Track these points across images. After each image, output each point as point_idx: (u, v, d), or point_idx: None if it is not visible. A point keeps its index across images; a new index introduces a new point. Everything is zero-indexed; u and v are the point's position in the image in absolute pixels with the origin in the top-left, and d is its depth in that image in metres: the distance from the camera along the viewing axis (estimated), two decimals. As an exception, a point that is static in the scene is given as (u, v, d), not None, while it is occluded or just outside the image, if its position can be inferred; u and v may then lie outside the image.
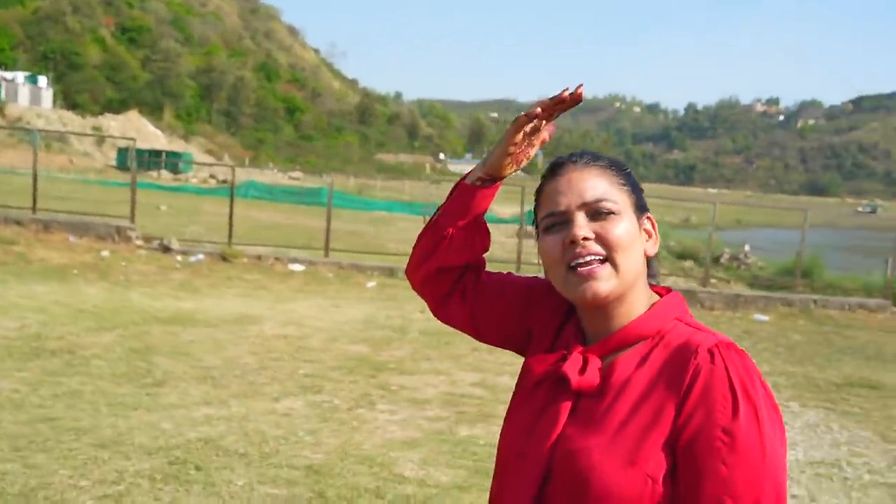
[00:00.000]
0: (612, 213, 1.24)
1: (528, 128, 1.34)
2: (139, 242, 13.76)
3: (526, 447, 1.27)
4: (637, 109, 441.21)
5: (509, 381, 7.07)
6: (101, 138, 59.68)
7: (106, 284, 10.53)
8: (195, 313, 8.99)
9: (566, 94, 1.29)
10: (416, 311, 10.63)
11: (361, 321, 9.44)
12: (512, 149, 1.37)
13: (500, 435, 1.40)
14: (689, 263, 23.74)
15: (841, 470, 5.47)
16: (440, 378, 7.03)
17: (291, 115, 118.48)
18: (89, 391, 5.74)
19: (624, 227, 1.24)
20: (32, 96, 71.19)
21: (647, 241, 1.31)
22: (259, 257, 13.87)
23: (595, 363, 1.25)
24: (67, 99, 77.27)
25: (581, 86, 1.32)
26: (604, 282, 1.21)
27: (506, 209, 44.41)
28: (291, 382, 6.45)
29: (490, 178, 1.42)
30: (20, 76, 71.77)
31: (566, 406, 1.25)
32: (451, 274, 1.50)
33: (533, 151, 1.42)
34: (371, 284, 12.84)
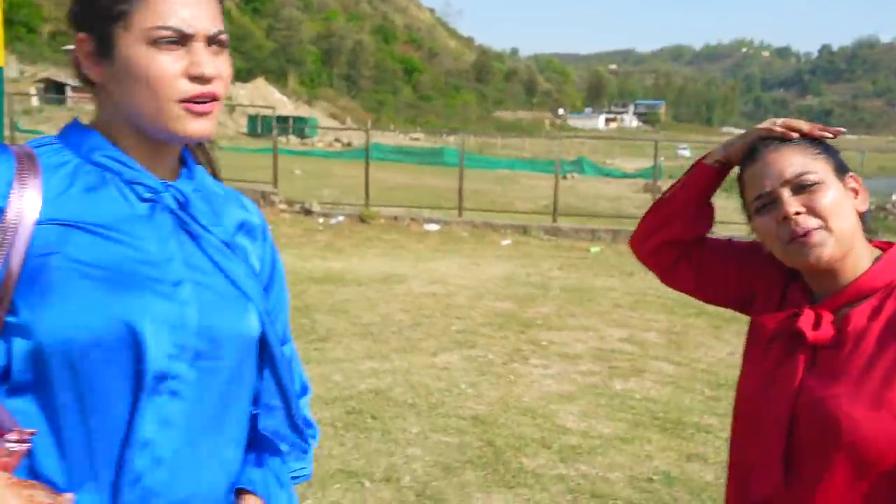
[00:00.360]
0: (816, 183, 1.31)
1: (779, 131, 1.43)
2: (283, 206, 14.42)
3: (766, 401, 1.35)
4: (766, 54, 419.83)
5: (657, 338, 7.11)
6: (231, 107, 62.12)
7: (257, 247, 11.11)
8: (344, 273, 9.41)
9: (835, 130, 1.41)
10: (555, 268, 10.74)
11: (502, 278, 9.62)
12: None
13: (737, 392, 1.47)
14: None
15: None
16: (588, 334, 7.14)
17: (409, 76, 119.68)
18: (262, 346, 6.16)
19: (830, 195, 1.31)
20: (167, 69, 74.53)
21: (854, 198, 1.36)
22: (395, 218, 14.27)
23: (828, 318, 1.32)
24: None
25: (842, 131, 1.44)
26: (823, 247, 1.29)
27: (629, 164, 43.52)
28: (445, 338, 6.70)
29: (727, 163, 1.51)
30: (155, 50, 75.21)
31: (803, 358, 1.32)
32: (678, 245, 1.60)
33: None
34: (506, 242, 13.01)
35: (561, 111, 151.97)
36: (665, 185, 28.28)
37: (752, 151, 1.40)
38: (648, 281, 10.04)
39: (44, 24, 79.65)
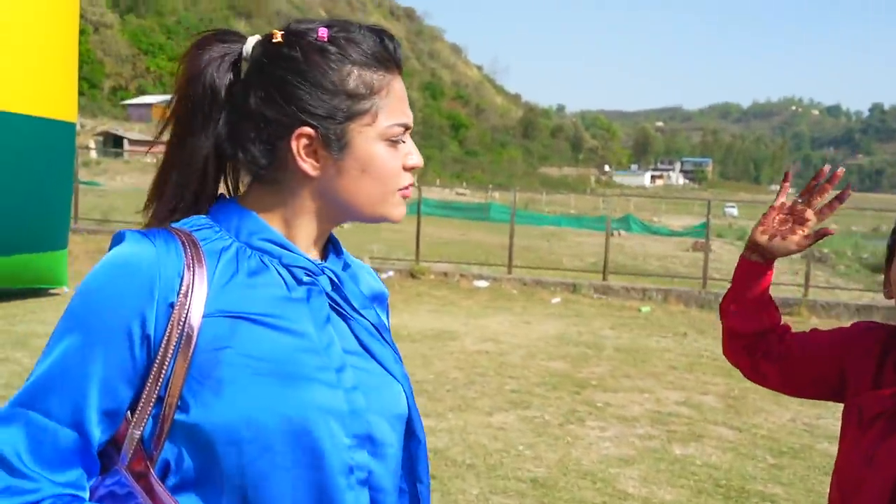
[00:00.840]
0: None
1: (778, 217, 1.47)
2: (334, 260, 14.58)
3: (867, 479, 1.36)
4: (815, 112, 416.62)
5: (714, 402, 7.00)
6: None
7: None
8: (398, 329, 9.45)
9: (823, 173, 1.44)
10: (606, 327, 10.67)
11: (554, 337, 9.59)
12: (762, 235, 1.51)
13: (835, 472, 1.49)
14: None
15: None
16: (644, 396, 7.06)
17: (456, 132, 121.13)
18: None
19: None
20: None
21: None
22: (445, 274, 14.35)
23: None
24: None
25: (841, 169, 1.43)
26: None
27: (675, 221, 43.23)
28: (500, 397, 6.69)
29: (763, 257, 1.54)
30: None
31: None
32: (746, 339, 1.62)
33: (806, 230, 1.53)
34: (556, 300, 12.98)
35: (607, 168, 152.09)
36: (715, 244, 28.08)
37: None
38: (703, 342, 9.92)
39: (105, 80, 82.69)
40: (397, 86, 1.12)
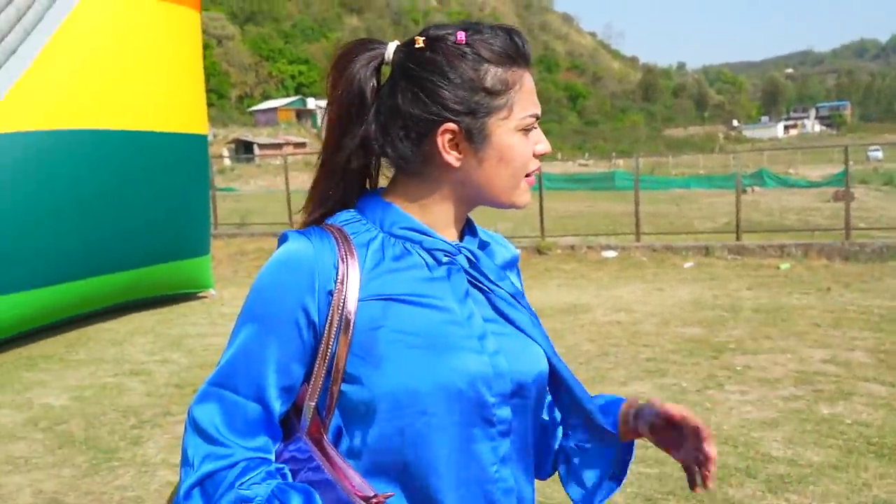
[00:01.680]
0: None
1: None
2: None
3: None
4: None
5: (864, 357, 6.70)
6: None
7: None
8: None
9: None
10: (743, 288, 10.35)
11: (689, 302, 9.39)
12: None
13: None
14: None
15: None
16: (787, 356, 6.83)
17: (574, 103, 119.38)
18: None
19: None
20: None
21: None
22: (572, 247, 14.27)
23: None
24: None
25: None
26: None
27: (814, 172, 41.04)
28: (635, 367, 6.64)
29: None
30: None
31: None
32: None
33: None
34: (688, 265, 12.67)
35: (735, 123, 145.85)
36: (858, 191, 26.48)
37: None
38: (849, 297, 9.47)
39: (231, 90, 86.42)
40: (528, 79, 1.23)
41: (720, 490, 4.17)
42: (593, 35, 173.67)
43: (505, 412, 1.18)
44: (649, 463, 4.56)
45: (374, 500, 1.09)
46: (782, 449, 4.73)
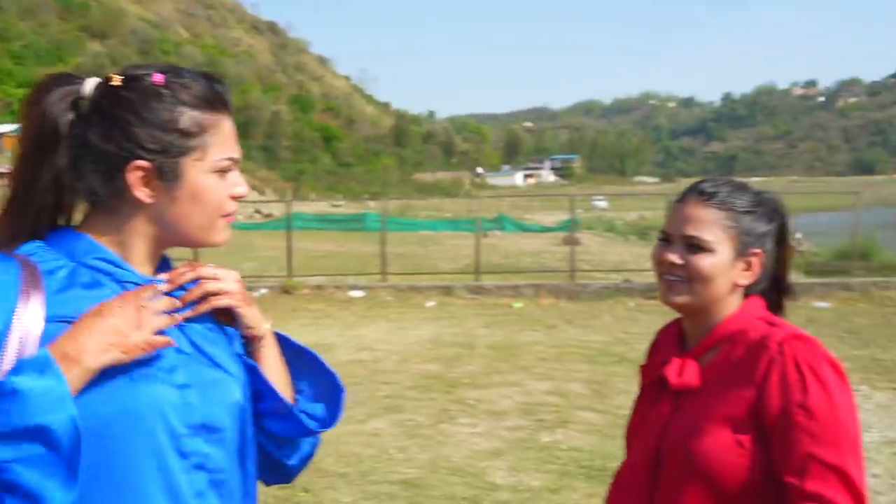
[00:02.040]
0: (703, 249, 1.50)
1: None
2: (204, 283, 14.27)
3: (640, 438, 1.59)
4: (672, 105, 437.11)
5: (581, 388, 7.31)
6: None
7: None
8: (270, 346, 9.37)
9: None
10: (479, 326, 10.91)
11: (429, 340, 9.74)
12: None
13: (626, 427, 1.73)
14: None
15: (918, 447, 5.58)
16: (514, 389, 7.29)
17: (328, 144, 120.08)
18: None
19: (708, 263, 1.50)
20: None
21: (742, 271, 1.54)
22: (319, 287, 14.28)
23: (692, 366, 1.54)
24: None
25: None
26: (678, 296, 1.53)
27: (548, 217, 44.46)
28: (374, 404, 6.76)
29: None
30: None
31: (668, 401, 1.55)
32: None
33: None
34: (430, 304, 13.15)
35: (479, 170, 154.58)
36: (584, 237, 29.11)
37: (688, 191, 1.57)
38: (571, 332, 10.31)
39: (-52, 111, 77.55)
40: (226, 124, 1.27)
41: (446, 520, 4.34)
42: (348, 79, 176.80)
43: (197, 444, 1.19)
44: (381, 499, 4.64)
45: None
46: (506, 476, 5.03)
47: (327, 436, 5.10)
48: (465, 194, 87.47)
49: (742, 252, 1.54)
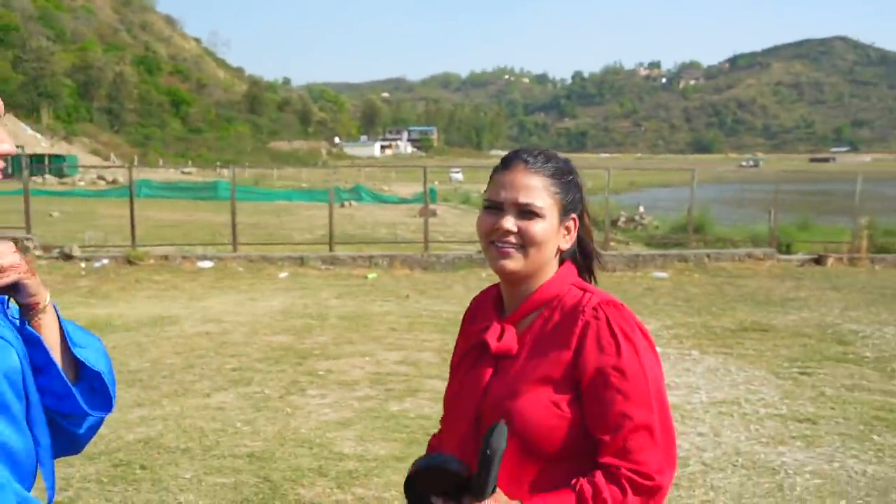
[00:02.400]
0: (537, 215, 1.53)
1: None
2: (38, 252, 13.40)
3: (459, 402, 1.62)
4: (526, 80, 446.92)
5: (431, 357, 7.39)
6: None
7: (10, 298, 10.26)
8: (111, 319, 8.92)
9: None
10: (332, 297, 10.82)
11: (280, 311, 9.56)
12: None
13: (444, 394, 1.74)
14: (588, 228, 24.56)
15: (740, 406, 6.00)
16: (365, 359, 7.27)
17: (178, 109, 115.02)
18: (17, 405, 5.73)
19: (541, 228, 1.53)
20: None
21: (564, 237, 1.59)
22: (166, 257, 13.72)
23: (511, 331, 1.58)
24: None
25: None
26: (513, 261, 1.53)
27: (405, 189, 44.60)
28: (220, 377, 6.57)
29: None
30: None
31: (488, 365, 1.58)
32: None
33: None
34: (283, 275, 12.92)
35: (337, 140, 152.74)
36: (440, 208, 29.40)
37: (510, 159, 1.58)
38: (424, 303, 10.40)
39: None
40: None
41: (293, 491, 4.28)
42: (198, 41, 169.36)
43: None
44: (225, 472, 4.53)
45: None
46: (353, 446, 5.02)
47: (167, 411, 4.92)
48: (323, 164, 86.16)
49: (564, 217, 1.58)
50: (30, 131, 73.01)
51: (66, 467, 4.56)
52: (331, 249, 14.78)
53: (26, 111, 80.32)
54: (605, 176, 16.58)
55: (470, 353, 1.65)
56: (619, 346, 1.46)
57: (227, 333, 8.24)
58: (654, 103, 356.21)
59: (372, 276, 12.98)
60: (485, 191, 1.63)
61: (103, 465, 4.60)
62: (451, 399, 1.68)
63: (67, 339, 1.31)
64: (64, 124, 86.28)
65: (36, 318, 1.27)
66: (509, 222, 1.52)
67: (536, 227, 1.52)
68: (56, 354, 1.27)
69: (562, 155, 1.65)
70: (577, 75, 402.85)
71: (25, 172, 15.15)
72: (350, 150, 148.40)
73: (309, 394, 6.18)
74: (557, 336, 1.52)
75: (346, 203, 34.48)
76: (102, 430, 5.19)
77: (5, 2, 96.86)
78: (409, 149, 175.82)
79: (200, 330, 8.38)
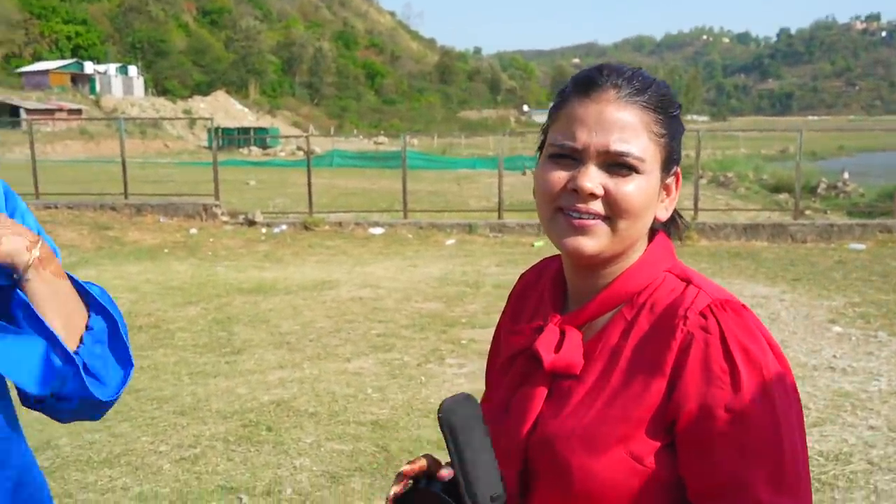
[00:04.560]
0: (634, 169, 1.03)
1: None
2: (225, 218, 14.24)
3: (504, 428, 1.12)
4: (726, 40, 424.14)
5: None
6: (192, 121, 61.65)
7: (194, 261, 10.96)
8: (276, 282, 9.27)
9: None
10: (492, 265, 10.68)
11: (436, 279, 9.53)
12: None
13: (482, 404, 1.19)
14: (784, 196, 22.89)
15: (927, 397, 5.24)
16: (511, 329, 7.06)
17: (372, 81, 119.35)
18: (172, 362, 6.04)
19: (641, 191, 1.04)
20: (125, 86, 73.96)
21: (662, 201, 1.10)
22: (340, 224, 14.14)
23: (574, 338, 1.09)
24: (158, 86, 79.98)
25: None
26: (595, 240, 1.04)
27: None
28: (364, 342, 6.60)
29: None
30: (112, 68, 74.67)
31: (540, 383, 1.10)
32: None
33: None
34: (450, 242, 12.93)
35: (525, 107, 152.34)
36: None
37: (592, 84, 1.06)
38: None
39: (-5, 48, 78.47)
40: None
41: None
42: (393, 14, 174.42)
43: None
44: (345, 439, 4.50)
45: None
46: (480, 420, 4.83)
47: (306, 374, 4.93)
48: (511, 132, 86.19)
49: (666, 172, 1.09)
50: (238, 106, 78.39)
51: (199, 424, 4.72)
52: (500, 217, 14.63)
53: (236, 87, 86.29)
54: (798, 139, 15.22)
55: (516, 360, 1.16)
56: (738, 374, 0.98)
57: (380, 299, 8.30)
58: (872, 60, 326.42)
59: (538, 244, 12.70)
60: (545, 128, 1.12)
61: (233, 425, 4.71)
62: (493, 417, 1.15)
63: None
64: (269, 98, 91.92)
65: (22, 282, 1.16)
66: (592, 180, 1.02)
67: (632, 188, 1.03)
68: (53, 315, 1.16)
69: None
70: (784, 32, 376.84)
71: (216, 143, 16.10)
72: (538, 117, 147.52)
73: (447, 363, 6.06)
74: (644, 352, 1.04)
75: (529, 170, 34.22)
76: (242, 390, 5.35)
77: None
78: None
79: (355, 295, 8.50)
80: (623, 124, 1.03)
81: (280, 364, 5.97)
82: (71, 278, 1.21)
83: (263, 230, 13.74)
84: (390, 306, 7.97)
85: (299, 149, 56.34)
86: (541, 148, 1.13)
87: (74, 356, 1.16)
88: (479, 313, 7.68)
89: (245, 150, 50.56)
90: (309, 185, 14.97)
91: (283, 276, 9.69)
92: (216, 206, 14.27)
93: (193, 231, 13.25)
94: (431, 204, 18.57)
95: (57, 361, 1.15)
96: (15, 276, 1.16)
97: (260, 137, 55.21)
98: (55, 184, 16.86)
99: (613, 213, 1.03)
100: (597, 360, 1.06)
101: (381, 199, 20.81)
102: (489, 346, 1.33)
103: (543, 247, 12.46)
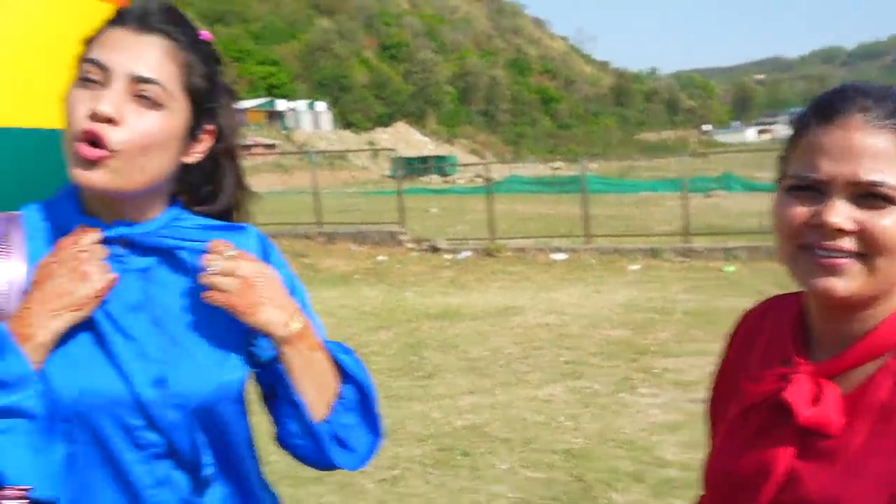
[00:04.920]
0: (891, 202, 0.93)
1: None
2: (410, 245, 14.71)
3: (739, 485, 1.03)
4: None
5: (783, 359, 6.67)
6: (375, 151, 64.41)
7: (384, 286, 11.38)
8: (462, 308, 9.45)
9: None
10: (681, 291, 10.33)
11: (622, 305, 9.36)
12: None
13: (708, 461, 1.13)
14: None
15: None
16: (707, 359, 6.77)
17: (547, 106, 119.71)
18: (370, 386, 6.28)
19: None
20: (314, 121, 78.53)
21: None
22: (522, 250, 14.22)
23: (833, 392, 0.96)
24: (343, 119, 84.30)
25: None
26: (847, 281, 0.94)
27: (765, 173, 41.44)
28: (552, 369, 6.58)
29: None
30: (301, 104, 79.47)
31: (787, 441, 0.98)
32: None
33: None
34: (634, 267, 12.66)
35: (706, 127, 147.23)
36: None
37: (834, 109, 0.97)
38: (782, 299, 9.47)
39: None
40: (114, 33, 1.12)
41: (604, 495, 4.10)
42: (565, 39, 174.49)
43: (152, 436, 1.07)
44: (540, 467, 4.49)
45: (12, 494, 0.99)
46: (678, 453, 4.68)
47: (497, 400, 5.01)
48: (691, 153, 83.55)
49: None
50: (418, 135, 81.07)
51: (395, 446, 4.87)
52: (686, 241, 14.16)
53: (416, 118, 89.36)
54: None
55: (754, 412, 1.04)
56: None
57: (566, 325, 8.25)
58: None
59: (730, 269, 12.17)
60: (783, 157, 1.04)
61: (429, 448, 4.83)
62: (716, 474, 1.08)
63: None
64: (447, 128, 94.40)
65: (282, 351, 1.16)
66: (839, 214, 0.93)
67: (890, 222, 0.92)
68: (305, 386, 1.16)
69: None
70: None
71: (400, 172, 16.70)
72: (720, 137, 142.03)
73: (639, 392, 5.92)
74: None
75: (713, 192, 32.94)
76: (436, 413, 5.48)
77: (398, 21, 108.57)
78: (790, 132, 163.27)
79: (541, 321, 8.50)
80: (874, 151, 0.93)
81: (471, 389, 6.06)
82: (325, 346, 1.21)
83: (447, 256, 14.06)
84: (577, 332, 7.90)
85: (478, 176, 57.48)
86: (779, 180, 1.05)
87: (325, 425, 1.17)
88: (671, 341, 7.45)
89: (426, 179, 52.10)
90: (489, 211, 15.18)
91: (468, 302, 9.85)
92: (402, 233, 14.78)
93: (382, 258, 13.77)
94: (612, 228, 18.27)
95: (298, 431, 1.18)
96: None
97: (439, 166, 56.74)
98: (259, 214, 18.07)
99: (869, 249, 0.93)
100: (862, 419, 0.94)
101: (560, 224, 20.72)
102: (709, 389, 1.22)
103: (735, 272, 11.92)
